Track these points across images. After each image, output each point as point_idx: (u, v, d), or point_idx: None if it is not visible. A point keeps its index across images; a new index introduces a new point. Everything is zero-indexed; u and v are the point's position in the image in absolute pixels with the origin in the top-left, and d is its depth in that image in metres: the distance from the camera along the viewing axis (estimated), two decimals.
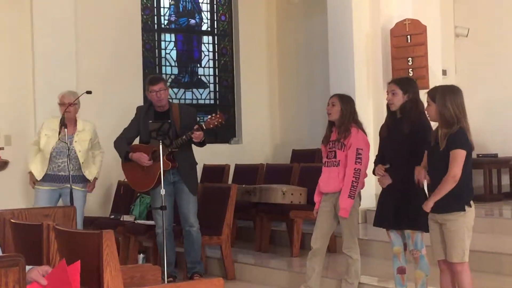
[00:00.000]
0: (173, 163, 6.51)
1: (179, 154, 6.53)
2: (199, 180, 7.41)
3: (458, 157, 4.42)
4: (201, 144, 6.56)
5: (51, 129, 6.91)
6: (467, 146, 4.47)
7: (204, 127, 6.42)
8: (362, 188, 5.61)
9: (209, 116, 6.53)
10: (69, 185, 6.61)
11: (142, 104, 9.81)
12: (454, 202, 4.48)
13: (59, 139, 6.81)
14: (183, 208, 6.63)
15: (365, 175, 5.56)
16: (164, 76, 10.33)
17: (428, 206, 4.54)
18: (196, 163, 6.89)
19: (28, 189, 7.63)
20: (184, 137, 6.41)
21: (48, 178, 6.89)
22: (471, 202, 4.55)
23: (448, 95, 4.49)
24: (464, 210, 4.49)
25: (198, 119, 7.84)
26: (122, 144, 6.71)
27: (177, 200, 6.66)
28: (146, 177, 6.54)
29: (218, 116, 6.49)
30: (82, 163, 6.91)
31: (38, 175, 6.91)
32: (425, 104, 4.70)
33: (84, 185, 6.97)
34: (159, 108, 6.67)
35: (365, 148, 5.50)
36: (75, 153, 6.89)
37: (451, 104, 4.46)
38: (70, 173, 6.66)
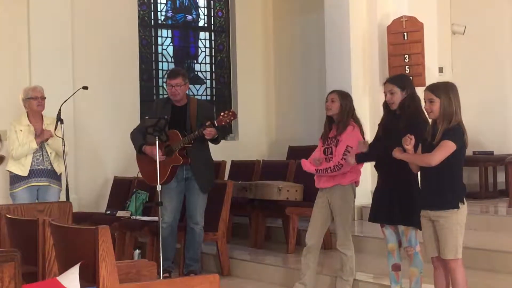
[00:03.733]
0: (185, 159, 6.46)
1: (193, 150, 6.46)
2: None
3: (446, 147, 4.44)
4: (214, 141, 6.52)
5: (24, 125, 7.05)
6: (460, 142, 4.48)
7: (216, 124, 6.33)
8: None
9: (221, 113, 6.41)
10: (46, 182, 6.96)
11: (138, 100, 9.83)
12: (448, 199, 4.49)
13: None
14: (191, 205, 6.60)
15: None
16: (160, 72, 10.31)
17: (395, 154, 4.67)
18: (212, 160, 6.82)
19: None
20: (196, 132, 6.36)
21: (29, 174, 6.97)
22: (464, 198, 4.57)
23: (451, 91, 4.56)
24: (458, 207, 4.50)
25: None
26: (138, 136, 6.66)
27: (186, 196, 6.63)
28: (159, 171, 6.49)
29: (230, 113, 6.39)
30: (53, 155, 7.03)
31: (25, 171, 6.96)
32: (425, 102, 4.69)
33: (59, 183, 7.10)
34: (177, 103, 6.62)
35: (356, 147, 5.42)
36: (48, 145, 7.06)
37: (453, 99, 4.52)
38: (47, 167, 6.98)
